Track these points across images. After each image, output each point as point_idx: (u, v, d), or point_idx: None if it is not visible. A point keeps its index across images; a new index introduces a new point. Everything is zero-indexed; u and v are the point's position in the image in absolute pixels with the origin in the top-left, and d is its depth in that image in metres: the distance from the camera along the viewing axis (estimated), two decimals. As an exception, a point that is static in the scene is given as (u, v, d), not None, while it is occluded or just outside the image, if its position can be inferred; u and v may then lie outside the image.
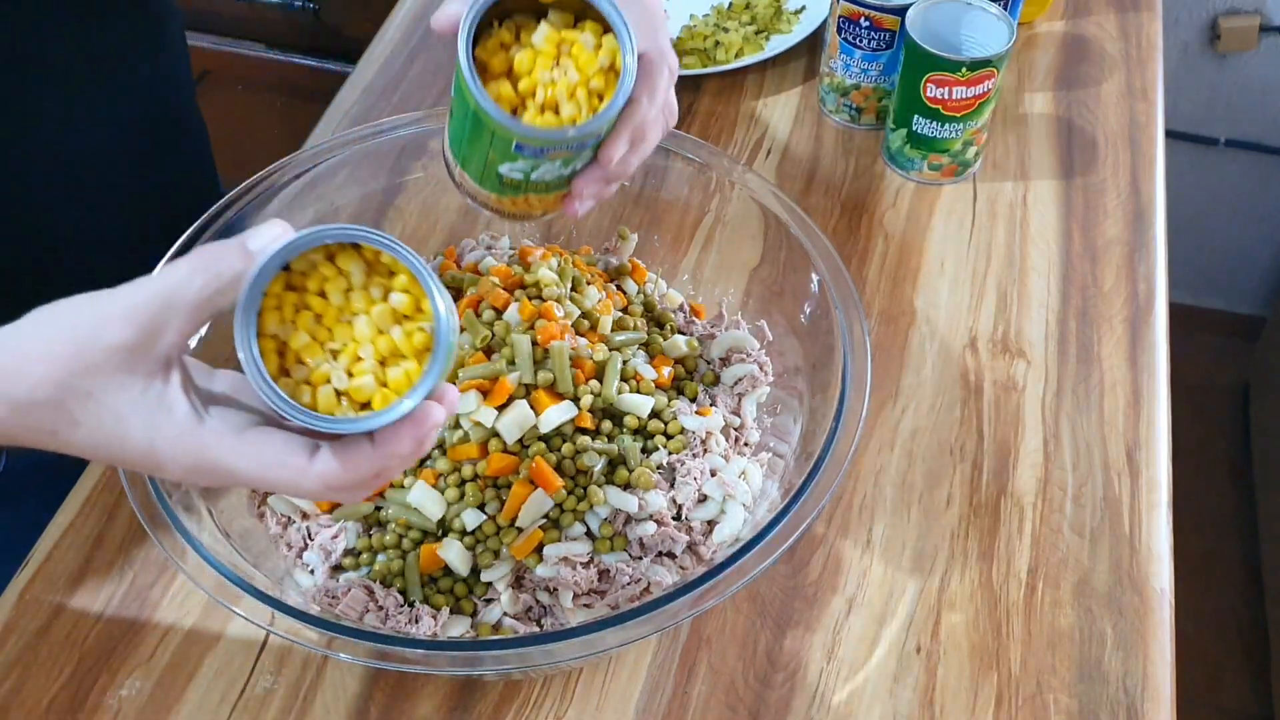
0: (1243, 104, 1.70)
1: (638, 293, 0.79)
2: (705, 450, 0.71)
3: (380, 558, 0.67)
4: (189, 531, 0.59)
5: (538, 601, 0.66)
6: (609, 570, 0.66)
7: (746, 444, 0.73)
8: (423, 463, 0.68)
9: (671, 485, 0.69)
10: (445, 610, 0.66)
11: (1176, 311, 0.99)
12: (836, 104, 1.00)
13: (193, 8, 1.64)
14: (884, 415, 0.80)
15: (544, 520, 0.67)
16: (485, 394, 0.67)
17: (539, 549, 0.66)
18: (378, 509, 0.69)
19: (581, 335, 0.72)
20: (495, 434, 0.67)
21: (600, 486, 0.67)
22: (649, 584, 0.66)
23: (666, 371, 0.73)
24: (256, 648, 0.69)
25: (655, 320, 0.77)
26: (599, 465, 0.68)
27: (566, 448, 0.68)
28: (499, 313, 0.71)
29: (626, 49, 0.54)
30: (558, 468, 0.67)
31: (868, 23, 0.94)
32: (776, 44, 1.07)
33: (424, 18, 1.13)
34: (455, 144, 0.58)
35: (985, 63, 0.87)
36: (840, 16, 0.95)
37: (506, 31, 0.55)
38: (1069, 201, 0.94)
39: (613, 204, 0.82)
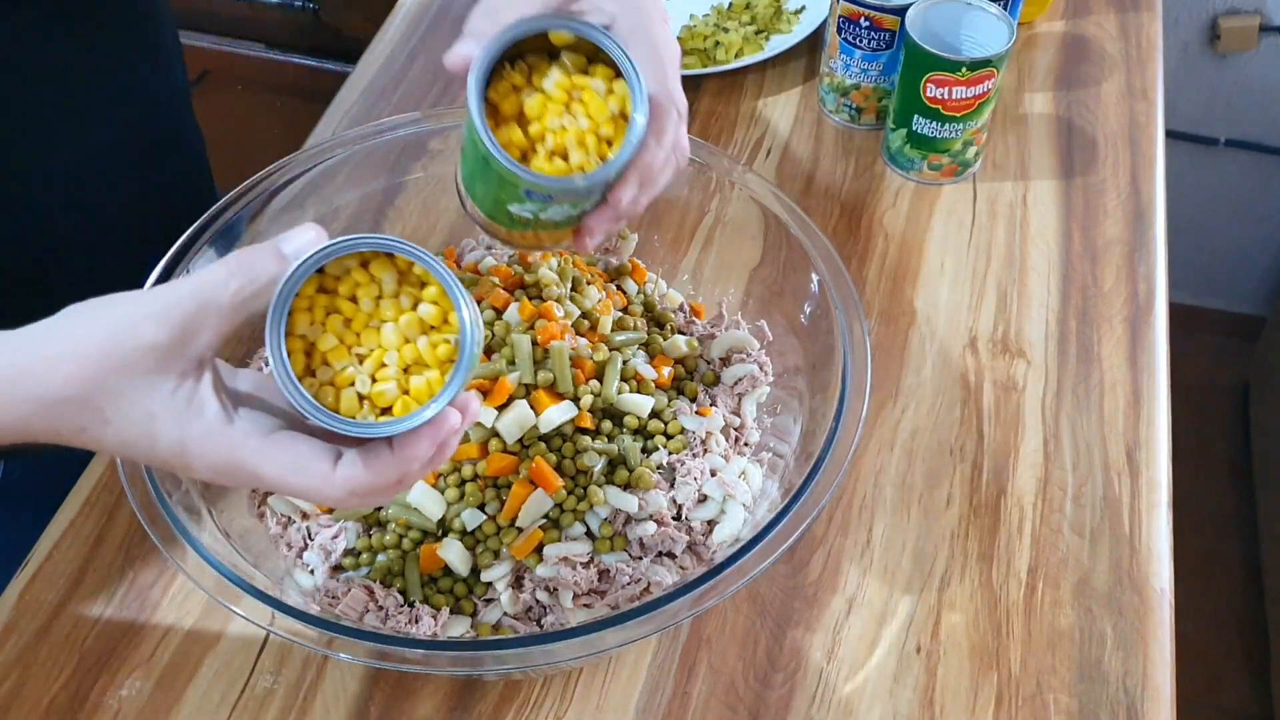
0: (1243, 104, 1.70)
1: (638, 293, 0.79)
2: (705, 450, 0.71)
3: (380, 558, 0.67)
4: (189, 531, 0.59)
5: (538, 601, 0.66)
6: (609, 570, 0.66)
7: (746, 444, 0.73)
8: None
9: (671, 485, 0.69)
10: (445, 610, 0.66)
11: (1176, 311, 0.99)
12: (836, 104, 1.00)
13: (193, 8, 1.64)
14: (884, 415, 0.80)
15: (544, 520, 0.67)
16: (485, 394, 0.67)
17: (539, 549, 0.66)
18: (378, 509, 0.68)
19: (581, 335, 0.72)
20: (495, 434, 0.67)
21: (600, 486, 0.67)
22: (649, 584, 0.66)
23: (666, 371, 0.73)
24: (256, 648, 0.69)
25: (655, 320, 0.77)
26: (599, 465, 0.68)
27: (566, 448, 0.68)
28: (499, 313, 0.71)
29: (637, 102, 0.54)
30: (558, 468, 0.67)
31: (868, 23, 0.94)
32: (776, 44, 1.07)
33: (424, 17, 1.13)
34: (467, 180, 0.58)
35: (985, 63, 0.87)
36: (840, 16, 0.95)
37: (518, 74, 0.55)
38: (1069, 201, 0.94)
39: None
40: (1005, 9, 0.94)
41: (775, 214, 0.73)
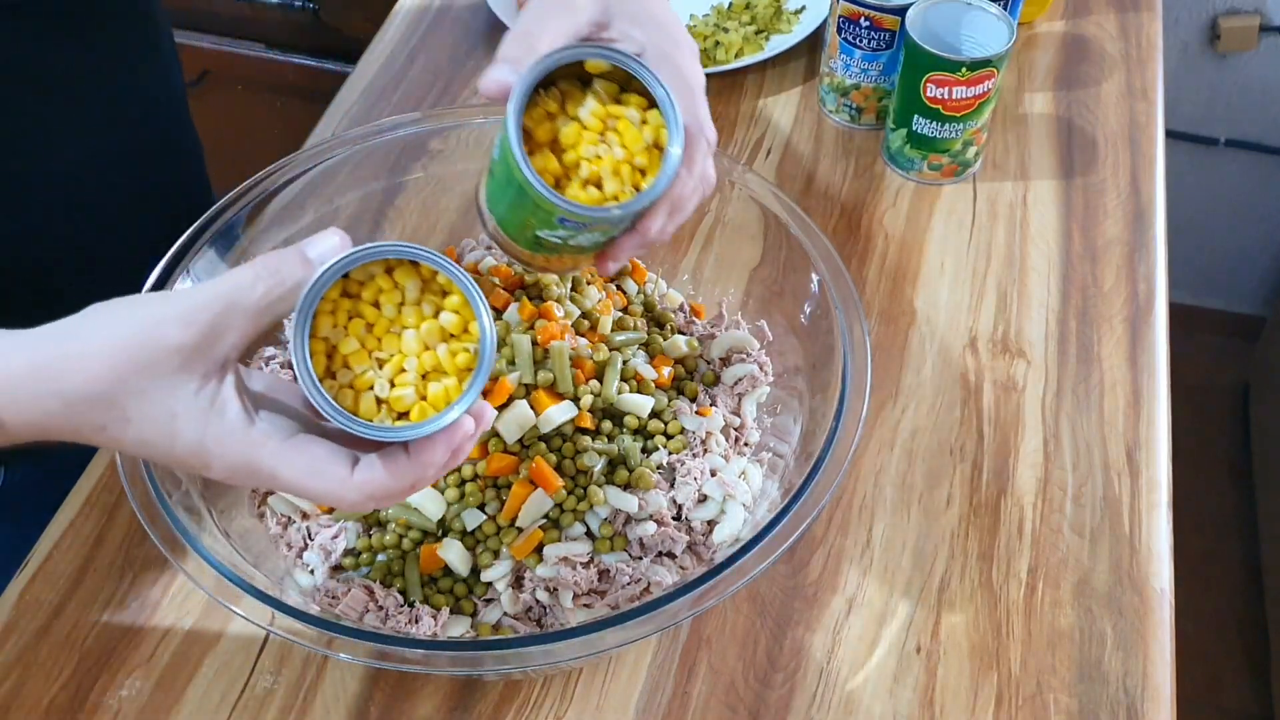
0: (1243, 104, 1.70)
1: (638, 293, 0.79)
2: (705, 450, 0.71)
3: (380, 558, 0.67)
4: (189, 531, 0.59)
5: (538, 601, 0.66)
6: (609, 570, 0.66)
7: (746, 444, 0.73)
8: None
9: (671, 485, 0.69)
10: (445, 610, 0.66)
11: (1176, 311, 0.99)
12: (836, 104, 1.00)
13: (193, 8, 1.64)
14: (884, 415, 0.80)
15: (544, 520, 0.67)
16: (485, 394, 0.67)
17: (539, 549, 0.66)
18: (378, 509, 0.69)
19: (581, 335, 0.72)
20: (495, 434, 0.67)
21: (600, 486, 0.67)
22: (649, 584, 0.66)
23: (666, 371, 0.73)
24: (256, 648, 0.69)
25: (655, 320, 0.77)
26: (599, 465, 0.68)
27: (566, 448, 0.68)
28: (499, 313, 0.71)
29: (674, 135, 0.54)
30: (558, 468, 0.67)
31: (868, 23, 0.94)
32: (776, 44, 1.07)
33: (424, 18, 1.13)
34: (493, 202, 0.58)
35: (985, 63, 0.87)
36: (840, 16, 0.95)
37: (552, 101, 0.55)
38: (1069, 201, 0.94)
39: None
40: (1005, 9, 0.94)
41: (775, 214, 0.73)
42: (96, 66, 0.76)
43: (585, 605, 0.66)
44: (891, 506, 0.76)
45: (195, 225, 0.70)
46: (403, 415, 0.50)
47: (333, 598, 0.66)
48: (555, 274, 0.74)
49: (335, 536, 0.68)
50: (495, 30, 1.10)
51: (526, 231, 0.57)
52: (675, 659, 0.69)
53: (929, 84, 0.89)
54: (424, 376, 0.50)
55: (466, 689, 0.68)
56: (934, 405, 0.81)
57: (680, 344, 0.75)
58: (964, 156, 0.94)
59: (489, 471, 0.67)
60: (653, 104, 0.55)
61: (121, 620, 0.70)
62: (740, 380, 0.75)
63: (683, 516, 0.69)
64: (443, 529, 0.67)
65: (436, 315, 0.51)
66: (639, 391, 0.71)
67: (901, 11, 0.91)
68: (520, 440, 0.67)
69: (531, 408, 0.67)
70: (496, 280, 0.74)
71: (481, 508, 0.67)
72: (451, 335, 0.51)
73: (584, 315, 0.73)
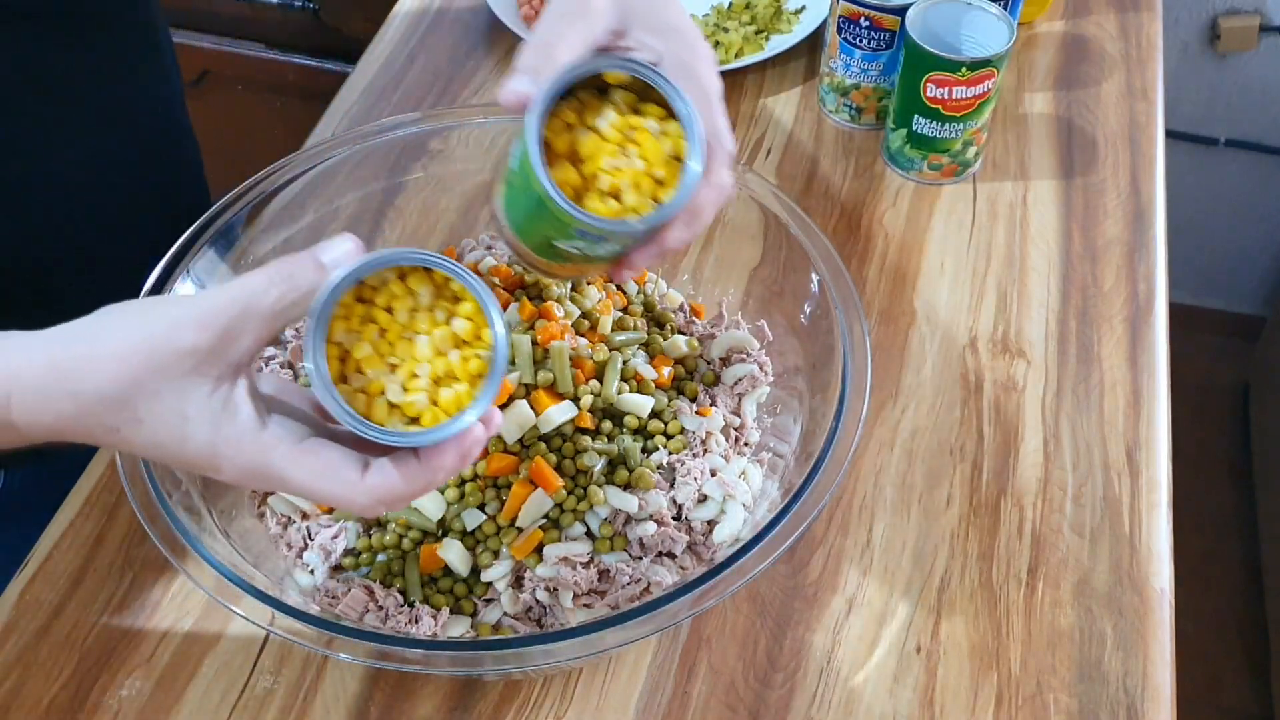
0: (1243, 104, 1.70)
1: (638, 293, 0.79)
2: (705, 450, 0.71)
3: (380, 558, 0.67)
4: (189, 531, 0.59)
5: (538, 601, 0.66)
6: (609, 570, 0.66)
7: (746, 444, 0.73)
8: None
9: (671, 485, 0.69)
10: (445, 610, 0.66)
11: (1176, 311, 0.99)
12: (836, 104, 1.00)
13: (193, 8, 1.64)
14: (884, 415, 0.80)
15: (544, 520, 0.67)
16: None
17: (539, 549, 0.66)
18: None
19: (581, 335, 0.72)
20: (495, 434, 0.67)
21: (600, 486, 0.67)
22: (649, 584, 0.66)
23: (666, 371, 0.73)
24: (256, 648, 0.69)
25: (655, 320, 0.77)
26: (599, 465, 0.68)
27: (566, 448, 0.68)
28: (499, 313, 0.71)
29: (694, 150, 0.54)
30: (558, 468, 0.67)
31: (868, 23, 0.94)
32: (776, 44, 1.07)
33: (424, 18, 1.13)
34: (509, 210, 0.58)
35: (985, 63, 0.87)
36: (840, 16, 0.95)
37: (571, 112, 0.55)
38: (1069, 201, 0.94)
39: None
40: (1005, 9, 0.94)
41: (775, 214, 0.73)
42: (96, 69, 0.76)
43: (585, 605, 0.66)
44: (891, 506, 0.76)
45: (195, 225, 0.70)
46: (414, 420, 0.50)
47: (333, 598, 0.66)
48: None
49: (335, 536, 0.68)
50: (495, 30, 1.10)
51: (543, 241, 0.57)
52: (675, 659, 0.69)
53: (929, 84, 0.89)
54: (436, 382, 0.51)
55: (466, 689, 0.68)
56: (934, 405, 0.81)
57: (680, 344, 0.75)
58: (964, 156, 0.94)
59: (489, 471, 0.67)
60: (671, 113, 0.55)
61: (121, 620, 0.70)
62: (740, 380, 0.75)
63: (683, 516, 0.69)
64: (443, 529, 0.67)
65: (449, 321, 0.51)
66: (639, 391, 0.71)
67: (901, 11, 0.91)
68: (520, 440, 0.67)
69: (531, 408, 0.67)
70: (496, 280, 0.74)
71: (481, 508, 0.67)
72: (464, 342, 0.51)
73: (584, 315, 0.73)
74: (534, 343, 0.69)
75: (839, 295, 0.68)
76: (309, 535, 0.69)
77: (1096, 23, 1.10)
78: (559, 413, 0.67)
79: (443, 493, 0.67)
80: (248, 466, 0.48)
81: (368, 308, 0.50)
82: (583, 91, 0.56)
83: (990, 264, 0.90)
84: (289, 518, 0.70)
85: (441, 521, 0.67)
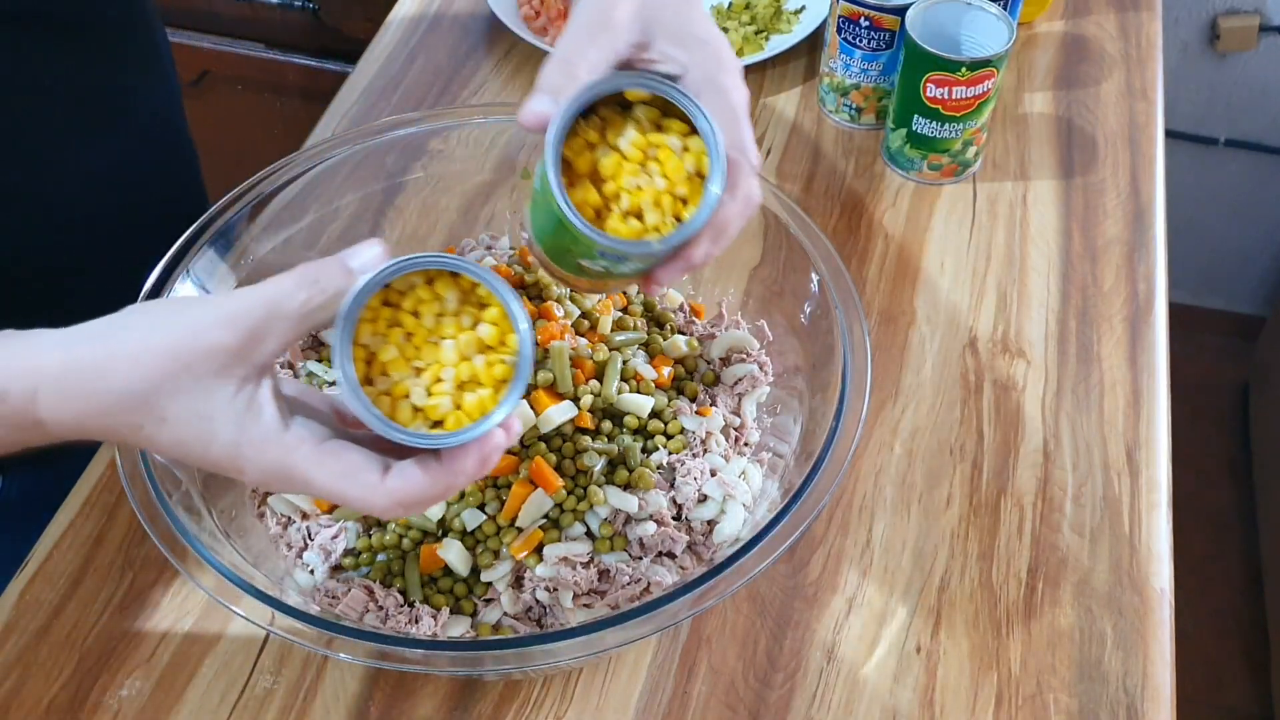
0: (1242, 104, 1.70)
1: (637, 293, 0.79)
2: (705, 450, 0.71)
3: (380, 558, 0.67)
4: (189, 531, 0.59)
5: (538, 601, 0.66)
6: (609, 570, 0.66)
7: (746, 444, 0.73)
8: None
9: (671, 485, 0.69)
10: (445, 610, 0.66)
11: (1176, 311, 0.99)
12: (836, 104, 1.00)
13: (193, 8, 1.64)
14: (884, 415, 0.80)
15: (544, 520, 0.67)
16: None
17: (539, 549, 0.66)
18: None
19: (581, 335, 0.72)
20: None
21: (600, 486, 0.67)
22: (649, 584, 0.66)
23: (666, 371, 0.73)
24: (256, 648, 0.69)
25: (655, 320, 0.77)
26: (599, 465, 0.68)
27: (566, 448, 0.68)
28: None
29: (715, 171, 0.53)
30: (558, 468, 0.67)
31: (868, 23, 0.94)
32: (776, 44, 1.07)
33: (424, 18, 1.13)
34: (536, 228, 0.58)
35: (985, 63, 0.87)
36: (840, 16, 0.95)
37: (593, 130, 0.55)
38: (1069, 201, 0.94)
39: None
40: (1005, 9, 0.94)
41: (775, 214, 0.73)
42: (93, 74, 0.76)
43: (585, 605, 0.66)
44: (891, 506, 0.76)
45: (195, 226, 0.70)
46: (437, 424, 0.50)
47: (333, 598, 0.66)
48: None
49: (335, 536, 0.68)
50: (495, 30, 1.10)
51: (568, 259, 0.57)
52: (675, 659, 0.69)
53: (929, 84, 0.89)
54: (460, 386, 0.51)
55: (466, 689, 0.68)
56: (934, 405, 0.81)
57: (680, 344, 0.75)
58: (964, 156, 0.94)
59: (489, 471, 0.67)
60: (695, 128, 0.54)
61: (121, 620, 0.70)
62: (740, 380, 0.75)
63: (683, 516, 0.69)
64: (443, 529, 0.67)
65: (475, 327, 0.51)
66: (639, 391, 0.71)
67: (901, 11, 0.91)
68: (520, 440, 0.67)
69: (531, 408, 0.67)
70: (496, 280, 0.73)
71: (481, 508, 0.67)
72: (489, 347, 0.51)
73: (584, 315, 0.73)
74: (534, 343, 0.69)
75: (839, 295, 0.68)
76: (309, 535, 0.69)
77: (1096, 22, 1.10)
78: (559, 413, 0.67)
79: (443, 493, 0.67)
80: (270, 467, 0.48)
81: (394, 311, 0.51)
82: (605, 108, 0.55)
83: (990, 264, 0.90)
84: (289, 518, 0.70)
85: (441, 521, 0.67)
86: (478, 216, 0.84)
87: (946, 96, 0.89)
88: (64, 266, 0.79)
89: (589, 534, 0.68)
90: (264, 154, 0.80)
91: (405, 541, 0.67)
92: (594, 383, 0.69)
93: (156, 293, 0.66)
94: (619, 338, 0.73)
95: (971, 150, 0.94)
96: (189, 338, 0.46)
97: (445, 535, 0.67)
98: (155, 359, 0.46)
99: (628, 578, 0.66)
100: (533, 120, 0.54)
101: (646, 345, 0.74)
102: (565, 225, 0.53)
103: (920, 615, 0.71)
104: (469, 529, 0.67)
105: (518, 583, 0.67)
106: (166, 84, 0.86)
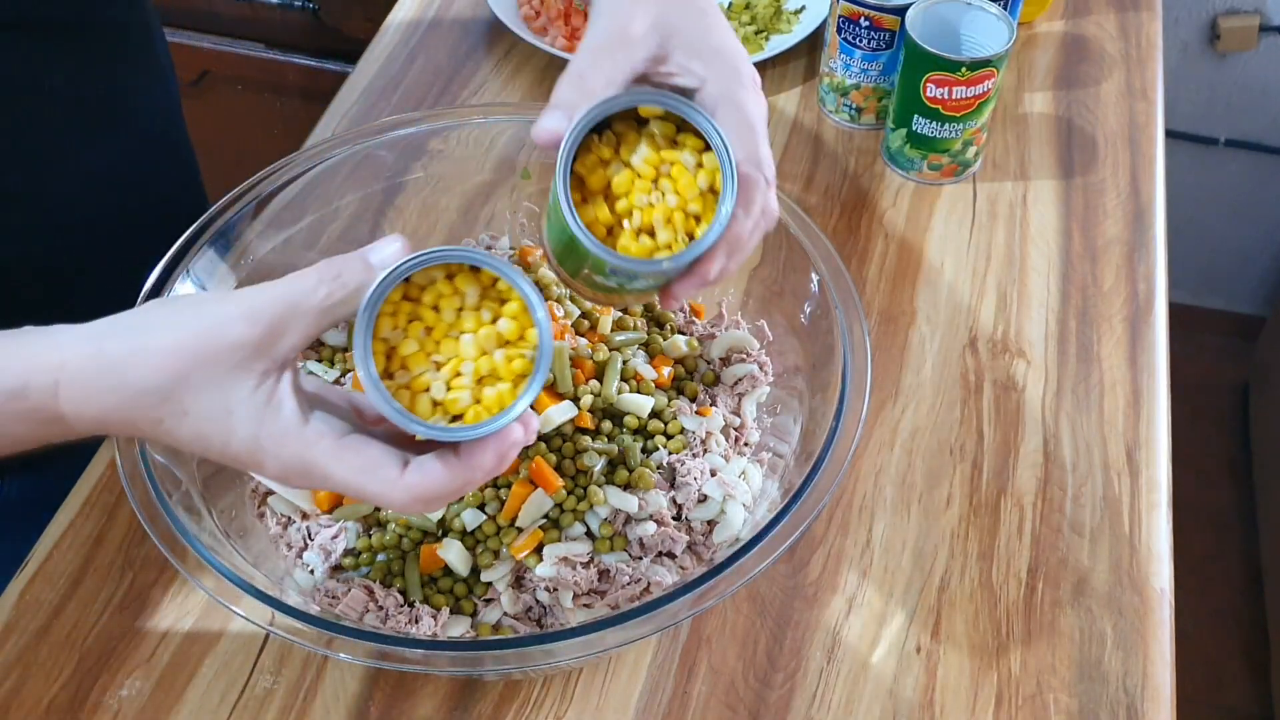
0: (1242, 104, 1.70)
1: (638, 293, 0.79)
2: (705, 450, 0.71)
3: (380, 558, 0.67)
4: (189, 531, 0.59)
5: (538, 601, 0.66)
6: (609, 570, 0.66)
7: (746, 444, 0.73)
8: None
9: (671, 485, 0.69)
10: (445, 610, 0.66)
11: (1176, 311, 0.99)
12: (836, 104, 1.00)
13: (193, 8, 1.64)
14: (884, 415, 0.80)
15: (544, 520, 0.67)
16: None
17: (539, 549, 0.66)
18: (377, 509, 0.68)
19: (581, 335, 0.72)
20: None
21: (600, 486, 0.67)
22: (649, 584, 0.66)
23: (666, 371, 0.73)
24: (256, 648, 0.69)
25: (655, 320, 0.77)
26: (599, 465, 0.68)
27: (566, 448, 0.68)
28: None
29: (726, 190, 0.53)
30: (558, 468, 0.67)
31: (868, 23, 0.94)
32: (776, 44, 1.07)
33: (424, 18, 1.13)
34: (552, 243, 0.58)
35: (985, 63, 0.87)
36: (840, 16, 0.95)
37: (606, 147, 0.54)
38: (1069, 201, 0.94)
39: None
40: (1005, 9, 0.94)
41: (775, 214, 0.73)
42: (91, 76, 0.76)
43: (585, 605, 0.66)
44: (891, 506, 0.76)
45: (195, 225, 0.70)
46: (456, 418, 0.50)
47: (333, 598, 0.66)
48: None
49: (335, 536, 0.68)
50: (495, 30, 1.10)
51: (582, 274, 0.57)
52: (675, 659, 0.69)
53: (929, 84, 0.89)
54: (480, 381, 0.51)
55: (466, 689, 0.68)
56: (934, 405, 0.81)
57: (680, 344, 0.75)
58: (964, 156, 0.94)
59: (489, 471, 0.67)
60: (710, 146, 0.54)
61: (121, 620, 0.70)
62: (740, 380, 0.75)
63: (683, 516, 0.69)
64: (443, 529, 0.67)
65: (495, 321, 0.51)
66: (639, 391, 0.71)
67: (901, 11, 0.91)
68: (520, 440, 0.67)
69: (532, 408, 0.67)
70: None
71: (481, 508, 0.67)
72: (508, 341, 0.51)
73: (584, 315, 0.73)
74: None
75: (839, 295, 0.68)
76: (309, 535, 0.69)
77: (1096, 22, 1.10)
78: (559, 413, 0.67)
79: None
80: (290, 461, 0.48)
81: (414, 305, 0.51)
82: (620, 123, 0.55)
83: (990, 264, 0.90)
84: (289, 518, 0.70)
85: (441, 521, 0.67)
86: (478, 216, 0.84)
87: (946, 96, 0.89)
88: (64, 267, 0.79)
89: (589, 534, 0.68)
90: (264, 154, 0.80)
91: (405, 541, 0.67)
92: (594, 383, 0.69)
93: (156, 293, 0.66)
94: (619, 338, 0.73)
95: (971, 150, 0.94)
96: (211, 332, 0.46)
97: (445, 535, 0.67)
98: (178, 354, 0.46)
99: (628, 578, 0.66)
100: (546, 137, 0.54)
101: (646, 345, 0.74)
102: (576, 243, 0.53)
103: (920, 615, 0.71)
104: (469, 529, 0.67)
105: (518, 583, 0.67)
106: (165, 86, 0.86)
